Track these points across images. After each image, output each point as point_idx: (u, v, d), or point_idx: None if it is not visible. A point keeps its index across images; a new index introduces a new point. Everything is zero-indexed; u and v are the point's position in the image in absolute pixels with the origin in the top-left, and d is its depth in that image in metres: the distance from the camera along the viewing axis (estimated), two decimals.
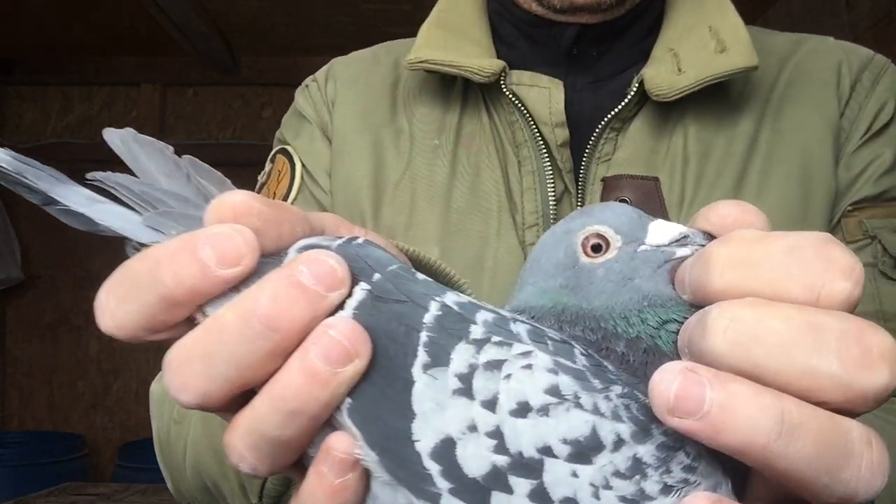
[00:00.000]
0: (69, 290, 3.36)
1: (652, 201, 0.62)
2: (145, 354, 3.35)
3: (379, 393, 0.28)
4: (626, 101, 0.64)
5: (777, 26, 0.76)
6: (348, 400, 0.27)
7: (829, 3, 2.40)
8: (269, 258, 0.30)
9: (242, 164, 3.38)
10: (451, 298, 0.29)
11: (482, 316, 0.29)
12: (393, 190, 0.68)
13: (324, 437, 0.28)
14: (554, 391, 0.27)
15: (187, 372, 0.30)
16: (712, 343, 0.25)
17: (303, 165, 0.71)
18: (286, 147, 0.74)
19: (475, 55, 0.67)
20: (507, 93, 0.65)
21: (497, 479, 0.27)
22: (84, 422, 3.31)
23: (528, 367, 0.28)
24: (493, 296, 0.61)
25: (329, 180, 0.70)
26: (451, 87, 0.70)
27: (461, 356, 0.28)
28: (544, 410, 0.27)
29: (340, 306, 0.28)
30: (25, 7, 2.73)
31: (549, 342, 0.29)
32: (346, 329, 0.27)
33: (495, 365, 0.27)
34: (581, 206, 0.64)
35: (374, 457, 0.27)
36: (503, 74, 0.65)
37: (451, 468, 0.27)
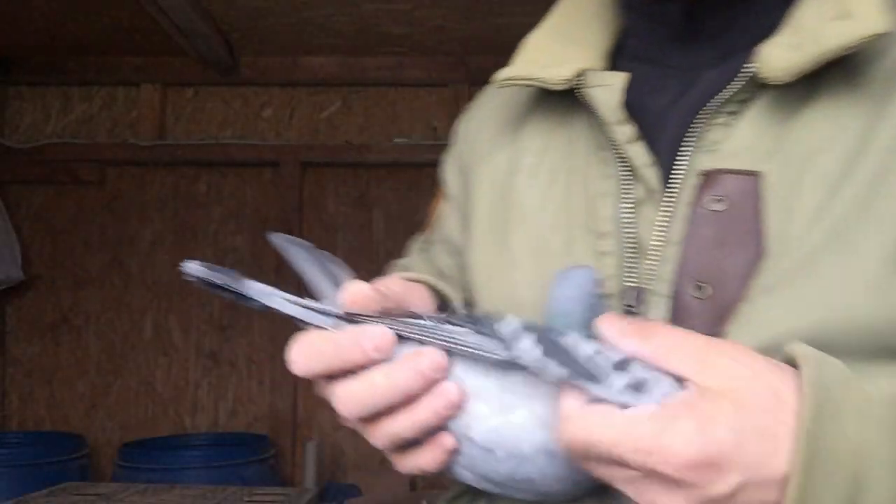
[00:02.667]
0: (69, 290, 3.35)
1: (749, 200, 0.53)
2: (145, 355, 3.35)
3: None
4: (736, 84, 0.55)
5: None
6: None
7: None
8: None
9: (242, 164, 3.40)
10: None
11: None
12: (498, 208, 0.68)
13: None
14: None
15: (349, 404, 0.52)
16: None
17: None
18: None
19: (572, 60, 0.63)
20: (582, 98, 0.62)
21: None
22: (84, 422, 3.31)
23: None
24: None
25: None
26: (546, 100, 0.68)
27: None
28: None
29: None
30: (25, 7, 2.73)
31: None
32: (453, 389, 0.50)
33: None
34: (668, 208, 0.57)
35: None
36: (579, 79, 0.61)
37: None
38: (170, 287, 3.36)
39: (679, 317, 0.54)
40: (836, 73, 0.53)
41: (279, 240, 0.58)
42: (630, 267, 0.58)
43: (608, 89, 0.61)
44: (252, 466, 2.86)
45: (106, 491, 2.23)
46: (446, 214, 0.77)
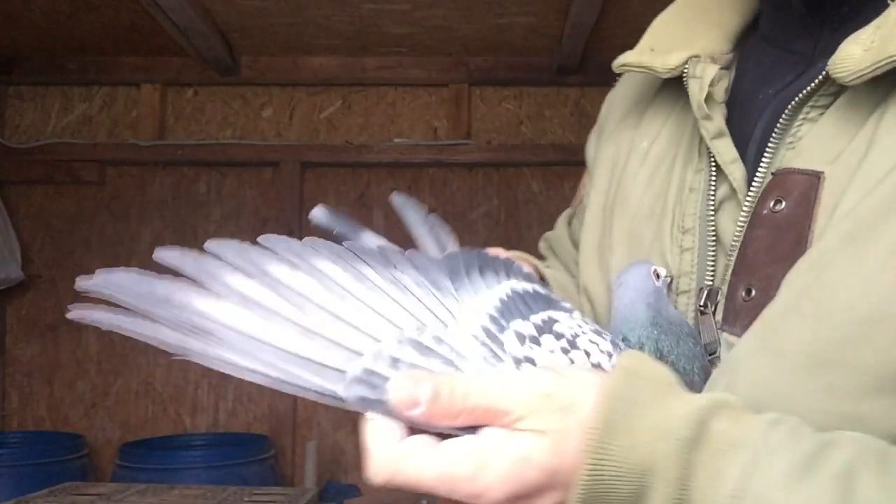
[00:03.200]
0: (69, 290, 3.35)
1: (805, 202, 0.52)
2: (145, 355, 3.35)
3: None
4: (815, 80, 0.53)
5: None
6: None
7: None
8: None
9: (242, 164, 3.40)
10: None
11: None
12: (614, 195, 0.68)
13: None
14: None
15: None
16: None
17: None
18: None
19: (690, 44, 0.62)
20: (686, 87, 0.61)
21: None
22: (84, 422, 3.31)
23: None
24: None
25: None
26: (667, 85, 0.67)
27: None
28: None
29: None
30: (25, 7, 2.73)
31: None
32: None
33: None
34: (746, 207, 0.55)
35: None
36: (685, 67, 0.61)
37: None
38: None
39: (729, 319, 0.54)
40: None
41: (399, 199, 0.59)
42: (710, 265, 0.57)
43: (699, 82, 0.59)
44: (252, 466, 2.85)
45: (106, 491, 2.23)
46: (587, 188, 0.78)
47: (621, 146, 0.70)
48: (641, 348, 0.53)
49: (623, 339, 0.54)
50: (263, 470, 2.90)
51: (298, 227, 3.26)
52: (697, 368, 0.53)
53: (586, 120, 3.37)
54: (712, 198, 0.58)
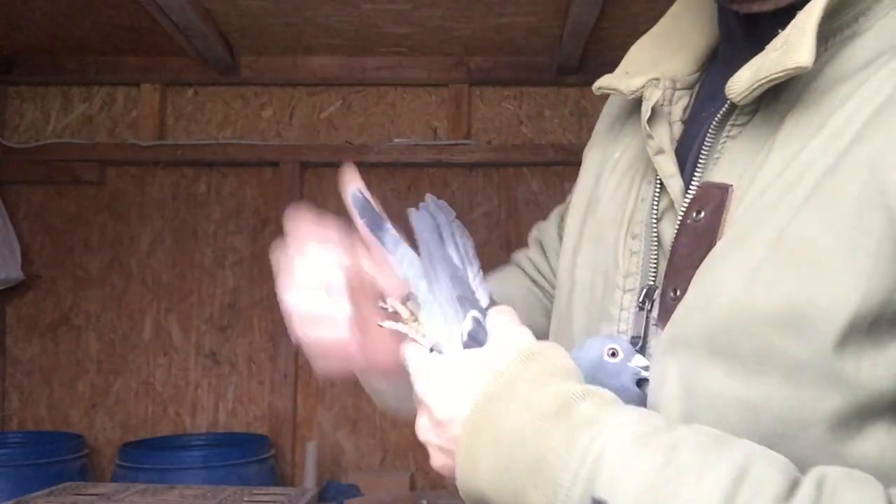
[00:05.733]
0: (69, 290, 3.35)
1: (717, 212, 0.59)
2: (145, 354, 3.35)
3: None
4: (728, 101, 0.60)
5: None
6: None
7: None
8: None
9: (242, 164, 3.40)
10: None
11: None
12: (584, 204, 0.77)
13: None
14: None
15: None
16: None
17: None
18: None
19: (657, 67, 0.70)
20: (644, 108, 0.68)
21: None
22: (84, 422, 3.31)
23: None
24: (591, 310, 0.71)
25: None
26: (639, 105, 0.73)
27: None
28: None
29: None
30: (26, 7, 2.73)
31: None
32: None
33: None
34: (680, 216, 0.62)
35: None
36: (643, 90, 0.68)
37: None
38: (170, 287, 3.36)
39: (661, 316, 0.62)
40: (795, 97, 0.57)
41: (431, 201, 0.68)
42: (652, 268, 0.65)
43: (647, 104, 0.67)
44: (252, 466, 2.85)
45: (106, 491, 2.23)
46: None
47: (605, 154, 0.77)
48: None
49: None
50: (263, 470, 2.90)
51: None
52: None
53: (586, 120, 3.37)
54: (656, 207, 0.66)
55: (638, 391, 0.60)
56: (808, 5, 0.55)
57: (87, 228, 3.36)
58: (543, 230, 0.91)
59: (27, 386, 3.34)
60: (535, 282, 0.89)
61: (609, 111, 0.82)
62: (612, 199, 0.72)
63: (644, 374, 0.60)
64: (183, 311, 3.36)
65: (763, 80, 0.55)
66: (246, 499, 2.15)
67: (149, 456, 2.82)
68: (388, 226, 0.68)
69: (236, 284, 3.36)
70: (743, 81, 0.57)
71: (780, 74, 0.55)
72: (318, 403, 3.33)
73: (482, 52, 3.19)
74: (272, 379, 3.31)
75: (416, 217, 0.66)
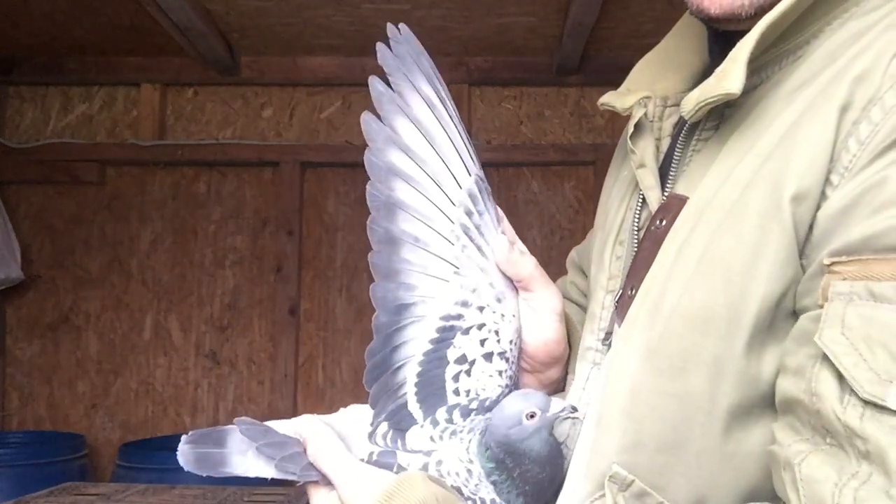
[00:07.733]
0: (69, 290, 3.36)
1: (672, 221, 0.64)
2: (145, 354, 3.35)
3: None
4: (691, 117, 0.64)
5: None
6: None
7: None
8: None
9: (242, 164, 3.40)
10: None
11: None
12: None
13: None
14: None
15: None
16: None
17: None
18: None
19: (654, 85, 0.74)
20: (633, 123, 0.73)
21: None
22: (84, 422, 3.31)
23: None
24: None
25: None
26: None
27: None
28: None
29: None
30: (26, 7, 2.73)
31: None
32: None
33: None
34: (657, 223, 0.67)
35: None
36: (636, 107, 0.73)
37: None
38: (170, 287, 3.36)
39: (620, 313, 0.67)
40: (743, 115, 0.63)
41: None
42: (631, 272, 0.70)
43: (631, 121, 0.72)
44: None
45: (106, 491, 2.23)
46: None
47: (618, 169, 0.81)
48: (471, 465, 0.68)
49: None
50: None
51: (298, 227, 3.26)
52: (530, 487, 0.66)
53: (586, 120, 3.37)
54: (637, 216, 0.71)
55: (549, 448, 0.66)
56: (746, 36, 0.60)
57: (87, 228, 3.36)
58: (581, 252, 0.95)
59: (27, 386, 3.34)
60: (581, 306, 0.91)
61: (627, 127, 0.86)
62: (609, 211, 0.77)
63: (564, 414, 0.65)
64: (183, 311, 3.36)
65: (703, 102, 0.61)
66: (246, 499, 2.15)
67: (149, 456, 2.82)
68: None
69: (236, 284, 3.36)
70: (692, 101, 0.62)
71: (714, 99, 0.60)
72: (318, 403, 3.33)
73: (482, 52, 3.18)
74: (272, 379, 3.31)
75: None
